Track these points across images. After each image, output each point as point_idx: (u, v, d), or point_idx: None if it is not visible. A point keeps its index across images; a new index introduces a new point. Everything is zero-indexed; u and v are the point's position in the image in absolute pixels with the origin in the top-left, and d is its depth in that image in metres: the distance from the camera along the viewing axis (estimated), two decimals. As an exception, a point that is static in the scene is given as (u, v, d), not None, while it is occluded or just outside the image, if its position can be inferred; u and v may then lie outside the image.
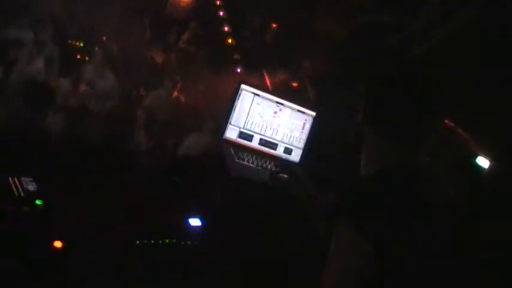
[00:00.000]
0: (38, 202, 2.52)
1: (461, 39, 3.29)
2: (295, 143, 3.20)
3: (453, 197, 2.73)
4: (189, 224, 2.85)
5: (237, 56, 4.10)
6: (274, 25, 4.36)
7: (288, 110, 3.17)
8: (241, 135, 3.12)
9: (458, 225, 2.00)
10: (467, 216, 2.70)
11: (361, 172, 1.90)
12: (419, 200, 1.79)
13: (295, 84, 3.91)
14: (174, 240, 2.77)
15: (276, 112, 3.15)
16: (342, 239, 1.75)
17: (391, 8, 3.76)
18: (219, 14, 4.40)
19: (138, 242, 2.67)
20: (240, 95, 3.09)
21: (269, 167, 3.06)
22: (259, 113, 3.12)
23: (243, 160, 3.04)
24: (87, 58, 4.07)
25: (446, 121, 3.09)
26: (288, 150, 3.20)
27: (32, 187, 2.58)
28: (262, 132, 3.15)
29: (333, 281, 1.77)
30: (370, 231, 1.69)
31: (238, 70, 3.97)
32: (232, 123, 3.10)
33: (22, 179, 2.59)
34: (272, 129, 3.16)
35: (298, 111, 3.19)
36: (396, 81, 1.84)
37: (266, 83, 3.73)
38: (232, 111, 3.09)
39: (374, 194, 1.77)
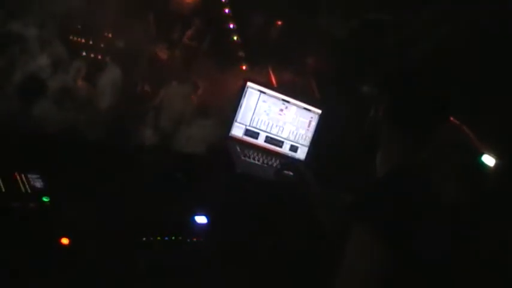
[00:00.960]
0: (44, 199, 2.51)
1: (462, 39, 3.29)
2: (301, 141, 3.20)
3: (459, 196, 2.73)
4: (195, 221, 2.85)
5: (241, 54, 4.10)
6: (279, 22, 4.36)
7: (294, 107, 3.17)
8: (247, 132, 3.12)
9: (465, 224, 2.01)
10: (473, 216, 2.70)
11: (377, 171, 1.90)
12: (428, 199, 1.79)
13: (301, 82, 3.91)
14: (180, 238, 2.77)
15: (282, 110, 3.15)
16: (351, 239, 1.75)
17: (392, 7, 3.76)
18: (224, 11, 4.39)
19: (144, 239, 2.67)
20: (246, 93, 3.08)
21: (275, 164, 3.06)
22: (265, 111, 3.12)
23: (249, 158, 3.04)
24: (92, 55, 4.07)
25: (452, 120, 3.10)
26: (293, 148, 3.20)
27: (39, 184, 2.58)
28: (268, 130, 3.14)
29: (342, 280, 1.78)
30: (379, 232, 1.70)
31: (244, 67, 3.96)
32: (238, 120, 3.09)
33: (29, 175, 2.59)
34: (278, 127, 3.16)
35: (304, 108, 3.19)
36: (417, 81, 1.85)
37: (272, 81, 3.73)
38: (238, 109, 3.08)
39: (385, 194, 1.77)
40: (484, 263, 2.52)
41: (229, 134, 3.10)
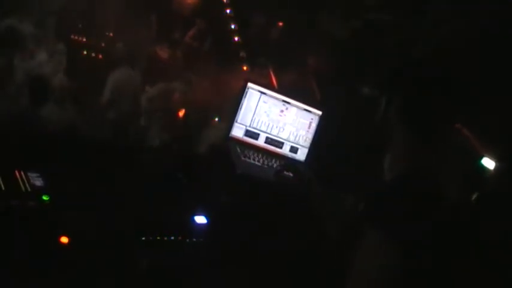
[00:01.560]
0: (44, 197, 2.52)
1: (463, 39, 3.29)
2: (301, 142, 3.20)
3: (464, 197, 2.73)
4: (195, 221, 2.85)
5: (243, 54, 4.10)
6: (280, 23, 4.36)
7: (295, 108, 3.16)
8: (248, 133, 3.11)
9: (470, 225, 2.01)
10: (477, 216, 2.70)
11: (386, 172, 1.90)
12: (436, 201, 1.80)
13: (302, 83, 3.91)
14: (180, 238, 2.77)
15: (282, 111, 3.15)
16: (358, 240, 1.76)
17: (394, 7, 3.76)
18: (226, 12, 4.40)
19: (143, 238, 2.67)
20: (246, 93, 3.08)
21: (275, 165, 3.06)
22: (265, 112, 3.12)
23: (249, 158, 3.04)
24: (93, 54, 4.08)
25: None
26: (294, 149, 3.19)
27: (38, 182, 2.58)
28: (268, 131, 3.14)
29: (351, 281, 1.78)
30: (388, 233, 1.70)
31: (245, 68, 3.97)
32: (238, 121, 3.09)
33: (29, 174, 2.59)
34: (278, 128, 3.15)
35: (305, 110, 3.18)
36: (432, 82, 1.85)
37: (273, 81, 3.73)
38: (239, 110, 3.08)
39: (395, 196, 1.77)
40: (484, 263, 2.51)
41: (230, 135, 3.09)
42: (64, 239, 2.43)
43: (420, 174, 1.82)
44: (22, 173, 2.59)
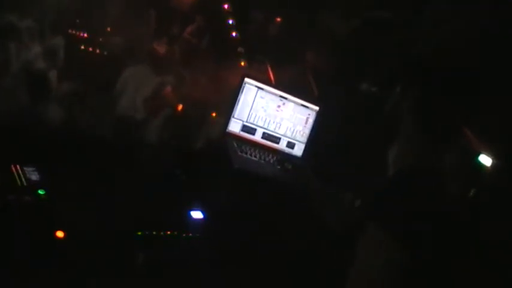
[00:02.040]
0: (40, 192, 2.52)
1: (463, 38, 3.29)
2: (298, 137, 3.20)
3: (464, 196, 2.73)
4: (191, 216, 2.85)
5: (240, 49, 4.10)
6: (278, 19, 4.36)
7: (292, 104, 3.16)
8: (244, 128, 3.11)
9: (470, 224, 2.01)
10: (477, 216, 2.70)
11: (390, 166, 1.90)
12: (437, 200, 1.80)
13: (299, 79, 3.90)
14: (176, 233, 2.77)
15: (279, 106, 3.15)
16: (359, 237, 1.76)
17: (394, 7, 3.76)
18: (224, 7, 4.39)
19: (140, 233, 2.67)
20: (243, 89, 3.07)
21: (272, 160, 3.06)
22: (262, 107, 3.12)
23: (246, 153, 3.04)
24: (90, 49, 4.08)
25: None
26: (290, 144, 3.19)
27: (34, 177, 2.58)
28: (265, 126, 3.14)
29: (353, 280, 1.78)
30: (390, 231, 1.70)
31: (242, 63, 3.96)
32: (235, 116, 3.09)
33: (25, 168, 2.59)
34: (275, 123, 3.15)
35: (302, 105, 3.18)
36: (444, 82, 1.85)
37: (270, 77, 3.73)
38: (236, 105, 3.08)
39: (396, 195, 1.77)
40: (484, 263, 2.52)
41: (227, 130, 3.09)
42: (60, 233, 2.43)
43: (423, 172, 1.82)
44: (18, 167, 2.59)
